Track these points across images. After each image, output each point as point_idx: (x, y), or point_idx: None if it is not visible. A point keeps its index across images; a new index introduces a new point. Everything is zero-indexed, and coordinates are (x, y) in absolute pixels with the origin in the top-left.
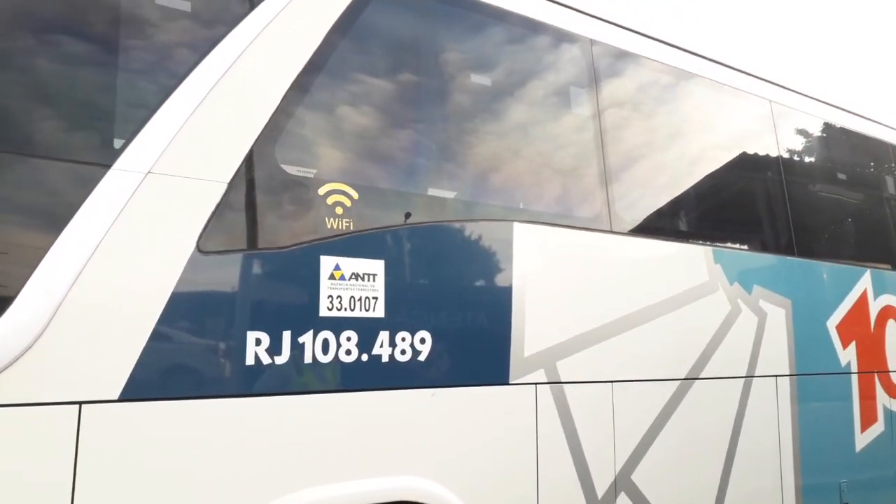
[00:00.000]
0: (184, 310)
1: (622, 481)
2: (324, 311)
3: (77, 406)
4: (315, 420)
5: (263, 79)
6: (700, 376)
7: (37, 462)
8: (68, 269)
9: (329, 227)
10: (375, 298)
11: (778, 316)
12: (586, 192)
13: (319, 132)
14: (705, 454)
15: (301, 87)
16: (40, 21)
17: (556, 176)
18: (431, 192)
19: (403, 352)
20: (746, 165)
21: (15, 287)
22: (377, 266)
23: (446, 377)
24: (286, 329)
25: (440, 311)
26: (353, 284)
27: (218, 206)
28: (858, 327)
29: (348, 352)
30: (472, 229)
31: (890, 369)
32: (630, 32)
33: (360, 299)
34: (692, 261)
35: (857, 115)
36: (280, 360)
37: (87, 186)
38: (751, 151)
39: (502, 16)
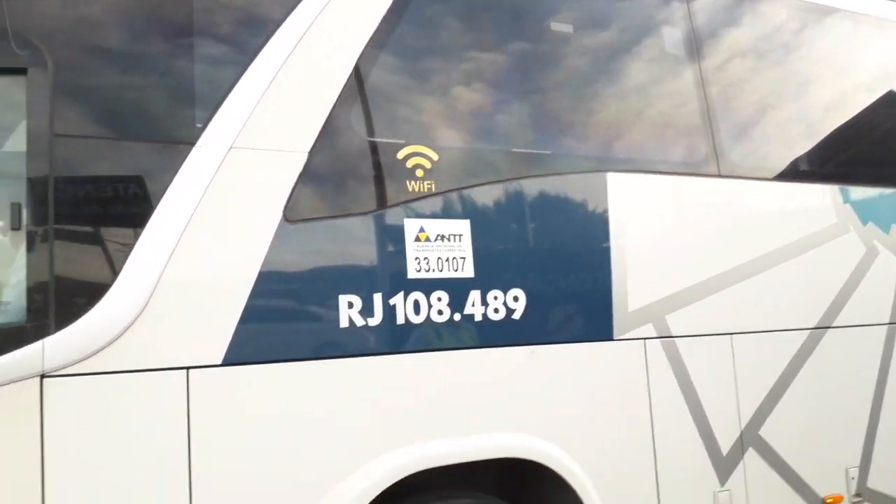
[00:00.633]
0: (275, 277)
1: (749, 437)
2: (412, 273)
3: (185, 371)
4: (412, 379)
5: (335, 47)
6: (835, 324)
7: (153, 423)
8: (165, 244)
9: (410, 189)
10: (463, 258)
11: None
12: (689, 135)
13: (395, 96)
14: (846, 407)
15: (374, 51)
16: (117, 7)
17: (653, 121)
18: (516, 148)
19: (496, 310)
20: (874, 97)
21: (118, 265)
22: (462, 226)
23: (545, 334)
24: (377, 291)
25: (533, 269)
26: (439, 246)
27: (300, 175)
28: None
29: (440, 312)
30: (560, 183)
31: None
32: None
33: (447, 260)
34: (816, 202)
35: None
36: (373, 321)
37: (174, 165)
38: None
39: None
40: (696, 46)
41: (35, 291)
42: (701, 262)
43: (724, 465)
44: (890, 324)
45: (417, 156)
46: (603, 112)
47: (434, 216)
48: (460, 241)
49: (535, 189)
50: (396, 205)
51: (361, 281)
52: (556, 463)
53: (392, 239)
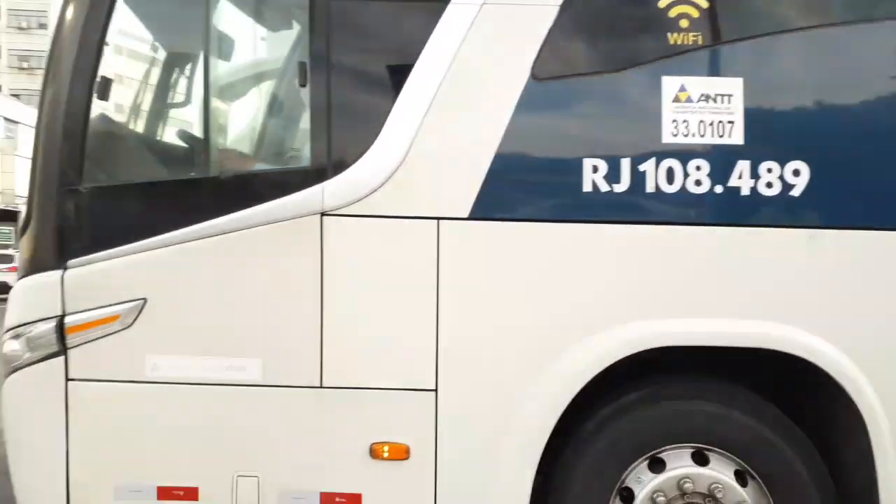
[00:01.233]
0: (521, 136)
1: None
2: (667, 138)
3: (436, 221)
4: (658, 252)
5: None
6: None
7: (408, 263)
8: (420, 102)
9: (672, 43)
10: (731, 123)
11: None
12: None
13: None
14: None
15: None
16: None
17: None
18: None
19: (769, 185)
20: None
21: (382, 120)
22: (733, 85)
23: (831, 217)
24: (625, 156)
25: (823, 137)
26: (702, 107)
27: (550, 30)
28: None
29: (698, 182)
30: (870, 31)
31: None
32: None
33: (711, 124)
34: None
35: None
36: (619, 188)
37: (432, 23)
38: None
39: None
40: None
41: (317, 141)
42: None
43: None
44: None
45: (683, 3)
46: None
47: (699, 73)
48: (729, 102)
49: (834, 39)
50: (654, 60)
51: (609, 144)
52: (832, 365)
53: (646, 99)
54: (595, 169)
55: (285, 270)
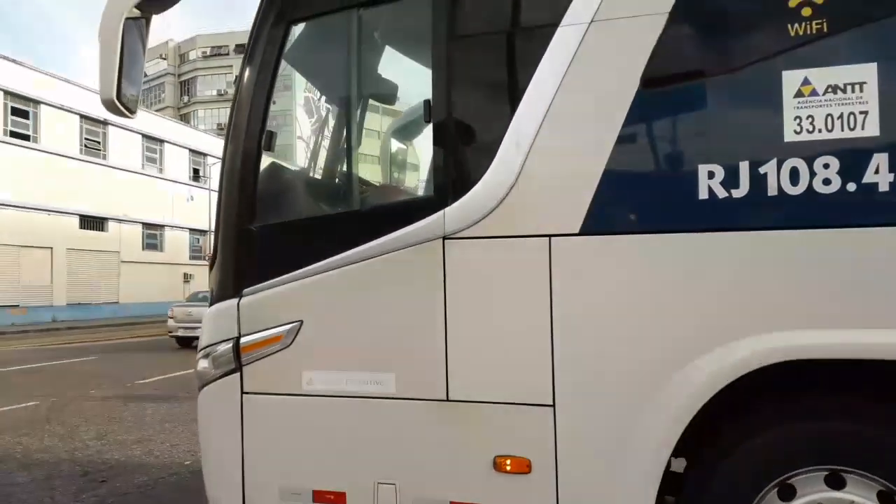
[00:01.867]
0: (631, 148)
1: None
2: (790, 136)
3: (547, 239)
4: (785, 260)
5: None
6: None
7: (523, 279)
8: (531, 123)
9: (793, 34)
10: (864, 113)
11: None
12: None
13: None
14: None
15: None
16: None
17: None
18: None
19: None
20: None
21: (494, 145)
22: (866, 71)
23: None
24: (743, 159)
25: None
26: (829, 100)
27: (659, 38)
28: None
29: (826, 181)
30: None
31: None
32: None
33: (840, 116)
34: None
35: None
36: (738, 193)
37: (543, 46)
38: None
39: None
40: None
41: (439, 171)
42: None
43: None
44: None
45: None
46: None
47: (824, 63)
48: (862, 91)
49: None
50: (771, 55)
51: (724, 147)
52: None
53: (764, 96)
54: (711, 175)
55: (415, 291)
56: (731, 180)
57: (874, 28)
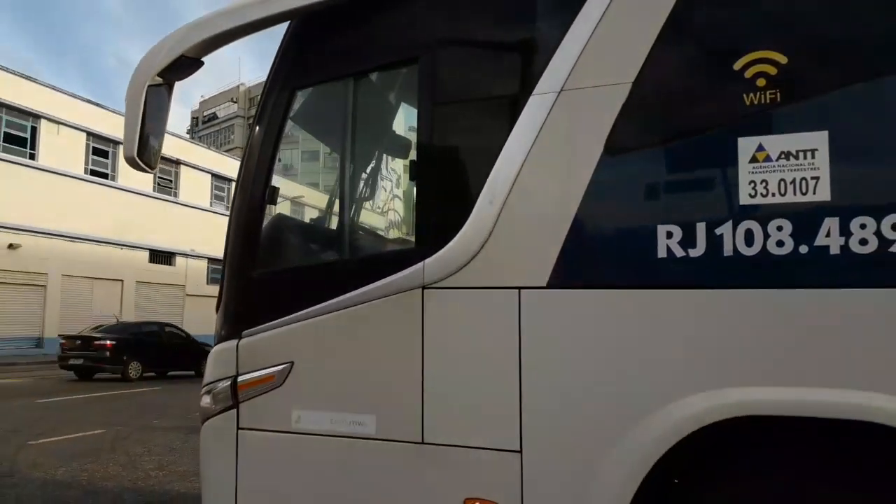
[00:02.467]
0: (595, 208)
1: None
2: (744, 199)
3: (517, 291)
4: (737, 318)
5: None
6: None
7: (494, 329)
8: (504, 182)
9: (747, 103)
10: (816, 179)
11: None
12: None
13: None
14: None
15: None
16: None
17: None
18: None
19: (864, 241)
20: None
21: (469, 205)
22: (817, 139)
23: None
24: (700, 220)
25: None
26: (782, 165)
27: (623, 106)
28: None
29: (779, 243)
30: None
31: None
32: None
33: (792, 181)
34: None
35: None
36: (695, 252)
37: (515, 112)
38: None
39: None
40: None
41: (421, 224)
42: None
43: None
44: None
45: (760, 63)
46: None
47: (777, 130)
48: (813, 157)
49: None
50: (728, 123)
51: (683, 209)
52: None
53: (721, 162)
54: (669, 235)
55: (396, 336)
56: (688, 240)
57: (825, 97)
